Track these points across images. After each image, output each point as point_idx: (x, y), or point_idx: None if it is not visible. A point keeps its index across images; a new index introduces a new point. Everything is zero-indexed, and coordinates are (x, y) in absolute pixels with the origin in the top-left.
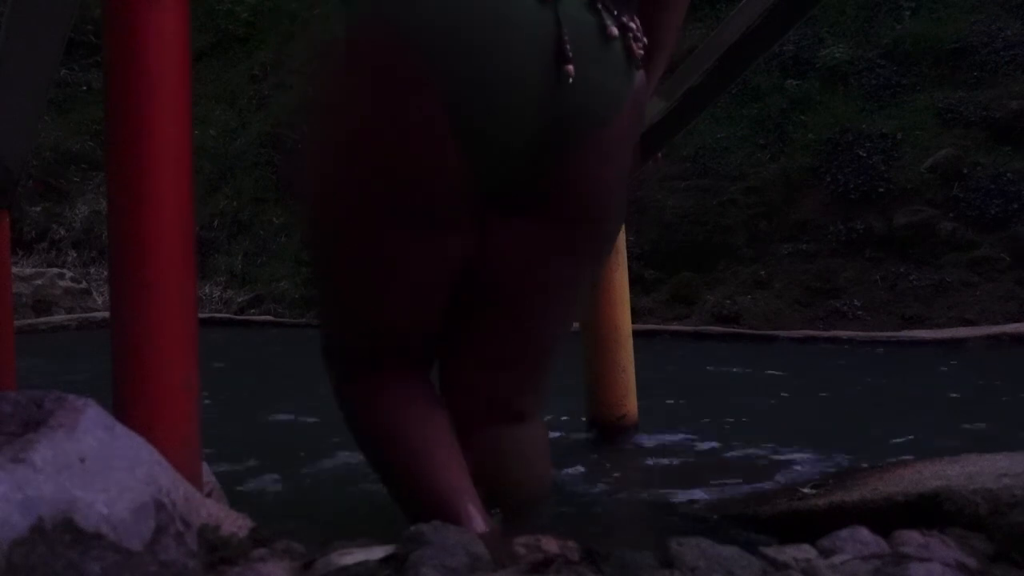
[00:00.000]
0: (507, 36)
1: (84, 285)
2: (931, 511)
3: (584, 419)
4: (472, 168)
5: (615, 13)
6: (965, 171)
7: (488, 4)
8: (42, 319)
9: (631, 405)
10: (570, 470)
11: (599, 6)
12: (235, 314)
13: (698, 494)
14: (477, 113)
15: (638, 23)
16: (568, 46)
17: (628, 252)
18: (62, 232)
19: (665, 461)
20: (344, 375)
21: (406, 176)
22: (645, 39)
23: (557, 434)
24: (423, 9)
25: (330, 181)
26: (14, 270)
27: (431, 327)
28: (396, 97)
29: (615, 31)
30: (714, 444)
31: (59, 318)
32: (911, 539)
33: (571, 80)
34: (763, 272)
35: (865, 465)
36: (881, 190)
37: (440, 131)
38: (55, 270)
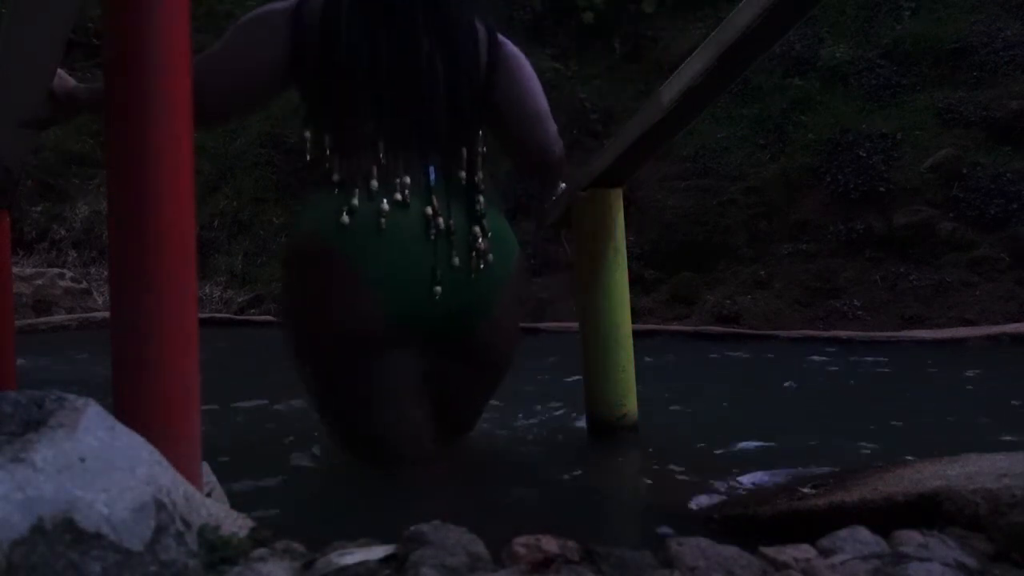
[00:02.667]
0: (406, 261)
1: (84, 285)
2: (931, 511)
3: (584, 419)
4: (402, 330)
5: (481, 224)
6: (965, 171)
7: (395, 246)
8: (42, 319)
9: (631, 405)
10: (570, 470)
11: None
12: (235, 314)
13: (698, 494)
14: (398, 307)
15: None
16: (439, 281)
17: (628, 252)
18: (62, 232)
19: (665, 461)
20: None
21: (359, 328)
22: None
23: (557, 434)
24: (346, 242)
25: (311, 339)
26: (14, 270)
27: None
28: (347, 294)
29: (483, 246)
30: (714, 444)
31: (59, 318)
32: (911, 539)
33: (437, 297)
34: (763, 272)
35: (865, 465)
36: (881, 190)
37: (371, 308)
38: (55, 270)
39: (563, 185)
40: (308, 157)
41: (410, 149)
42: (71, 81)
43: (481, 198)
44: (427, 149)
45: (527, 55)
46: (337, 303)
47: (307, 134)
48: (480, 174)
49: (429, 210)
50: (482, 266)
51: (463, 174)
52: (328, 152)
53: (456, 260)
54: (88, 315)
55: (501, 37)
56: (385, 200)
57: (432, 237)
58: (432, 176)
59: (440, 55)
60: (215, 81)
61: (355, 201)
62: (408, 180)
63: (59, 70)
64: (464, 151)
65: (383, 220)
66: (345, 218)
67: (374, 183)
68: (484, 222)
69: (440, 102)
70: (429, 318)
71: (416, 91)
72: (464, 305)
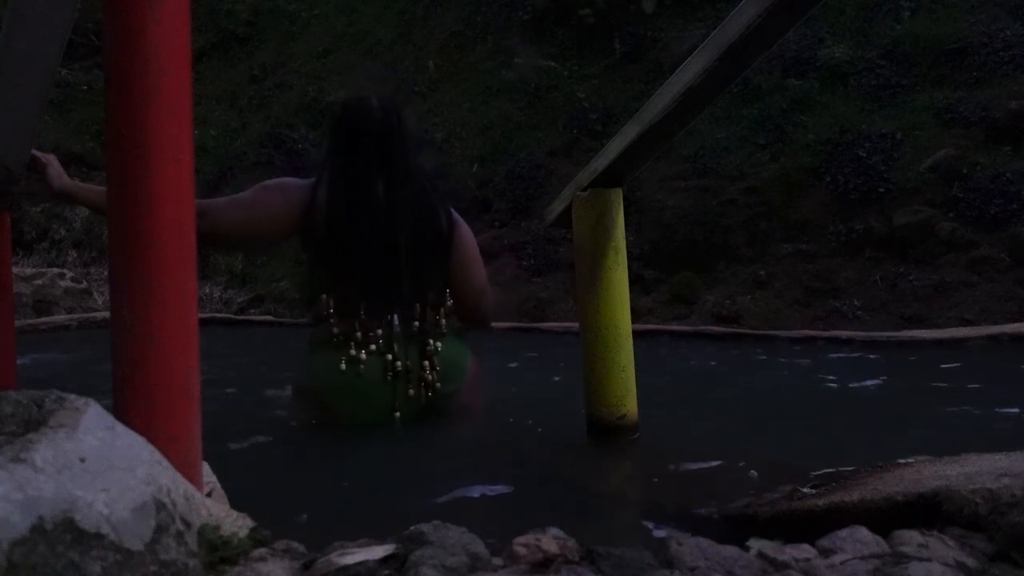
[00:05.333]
0: (375, 396)
1: (84, 285)
2: (931, 511)
3: (584, 419)
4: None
5: (431, 360)
6: (965, 171)
7: (360, 393)
8: (42, 319)
9: (631, 405)
10: (570, 470)
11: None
12: (235, 314)
13: (698, 494)
14: (361, 424)
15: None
16: (398, 412)
17: (628, 252)
18: (62, 232)
19: (665, 461)
20: None
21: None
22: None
23: (557, 434)
24: (329, 392)
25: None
26: (15, 270)
27: None
28: (322, 415)
29: (430, 378)
30: (714, 444)
31: (59, 318)
32: (911, 539)
33: (398, 416)
34: (763, 272)
35: (865, 465)
36: (881, 190)
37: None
38: (55, 270)
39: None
40: (311, 315)
41: (383, 311)
42: (62, 174)
43: (432, 340)
44: (394, 310)
45: (528, 54)
46: (335, 416)
47: (322, 296)
48: (437, 320)
49: (390, 356)
50: (430, 394)
51: (417, 324)
52: (330, 312)
53: (411, 391)
54: (88, 315)
55: (454, 213)
56: (363, 352)
57: (389, 378)
58: (395, 328)
59: (411, 240)
60: (244, 224)
61: (352, 352)
62: (380, 333)
63: (54, 160)
64: (418, 307)
65: (362, 367)
66: (343, 365)
67: (358, 335)
68: (434, 359)
69: (407, 276)
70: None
71: (390, 268)
72: (423, 415)
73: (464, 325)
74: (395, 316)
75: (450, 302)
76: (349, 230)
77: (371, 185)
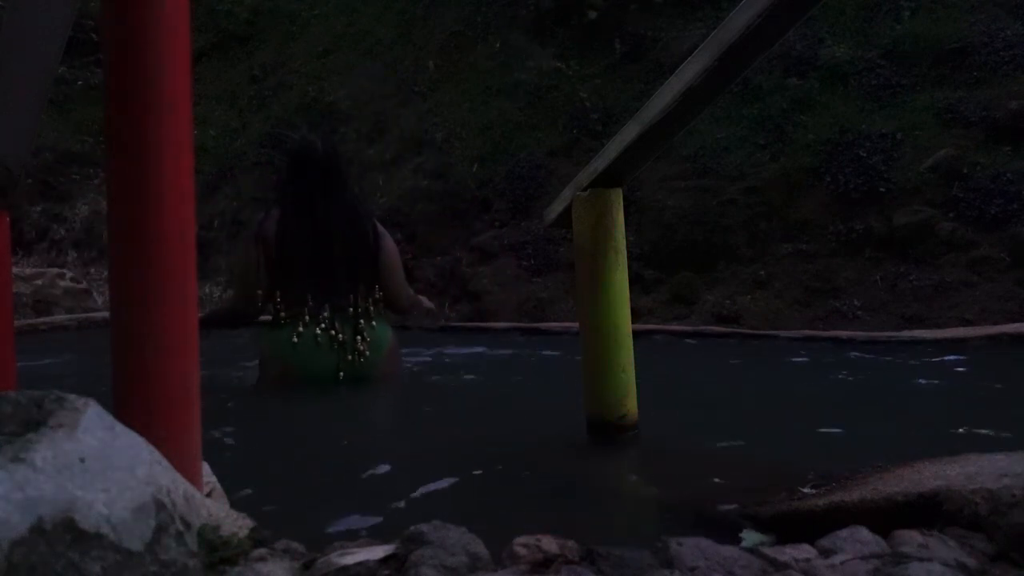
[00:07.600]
0: (322, 360)
1: (84, 285)
2: (931, 511)
3: (584, 419)
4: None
5: (366, 332)
6: (965, 171)
7: (311, 353)
8: (42, 319)
9: (631, 405)
10: (570, 470)
11: (359, 328)
12: None
13: (698, 494)
14: (319, 383)
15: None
16: (341, 372)
17: (628, 252)
18: (62, 232)
19: (665, 461)
20: None
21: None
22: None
23: (557, 434)
24: (288, 356)
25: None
26: (14, 270)
27: None
28: (285, 376)
29: (362, 348)
30: (714, 444)
31: (59, 318)
32: (911, 539)
33: (341, 377)
34: (763, 272)
35: (865, 465)
36: (881, 190)
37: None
38: (55, 270)
39: (425, 302)
40: (259, 304)
41: (325, 298)
42: None
43: (362, 321)
44: (333, 297)
45: (528, 53)
46: (286, 381)
47: (259, 292)
48: (367, 307)
49: (333, 331)
50: (361, 360)
51: (351, 309)
52: (279, 300)
53: (349, 357)
54: (88, 315)
55: (380, 227)
56: (318, 328)
57: (335, 347)
58: (335, 311)
59: (348, 246)
60: (246, 274)
61: (300, 329)
62: (326, 315)
63: None
64: (352, 297)
65: (319, 339)
66: (295, 339)
67: (307, 318)
68: (364, 334)
69: (342, 273)
70: (337, 384)
71: (329, 268)
72: (359, 376)
73: (390, 311)
74: (332, 303)
75: (380, 294)
76: (296, 241)
77: (315, 206)
